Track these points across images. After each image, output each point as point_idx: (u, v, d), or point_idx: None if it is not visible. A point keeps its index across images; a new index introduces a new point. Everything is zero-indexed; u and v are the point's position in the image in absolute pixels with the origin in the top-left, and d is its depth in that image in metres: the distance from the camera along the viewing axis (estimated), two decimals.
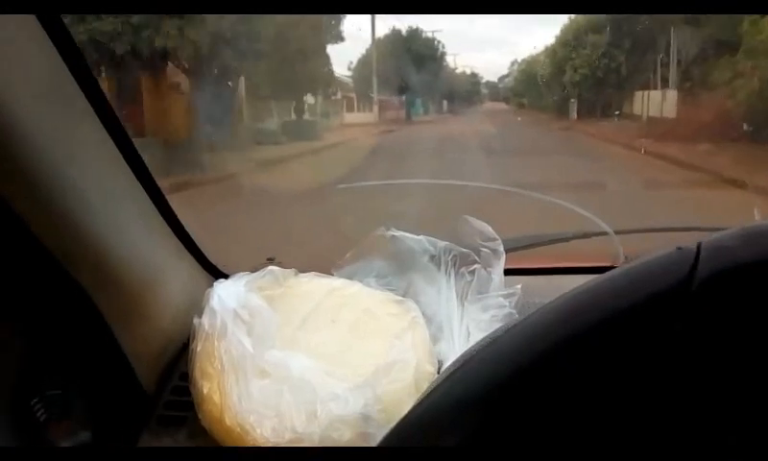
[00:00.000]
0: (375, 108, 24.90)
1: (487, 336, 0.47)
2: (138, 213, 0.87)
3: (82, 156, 0.75)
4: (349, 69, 24.93)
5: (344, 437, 0.75)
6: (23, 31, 0.66)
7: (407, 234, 1.02)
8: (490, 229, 1.00)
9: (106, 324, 0.81)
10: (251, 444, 0.77)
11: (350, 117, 23.16)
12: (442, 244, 1.01)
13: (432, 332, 0.95)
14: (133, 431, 0.89)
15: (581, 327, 0.41)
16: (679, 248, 0.41)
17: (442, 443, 0.43)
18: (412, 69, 24.18)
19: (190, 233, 0.99)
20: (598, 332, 0.41)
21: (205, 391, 0.82)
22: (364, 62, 25.09)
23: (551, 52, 21.58)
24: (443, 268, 1.00)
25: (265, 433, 0.76)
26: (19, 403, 0.79)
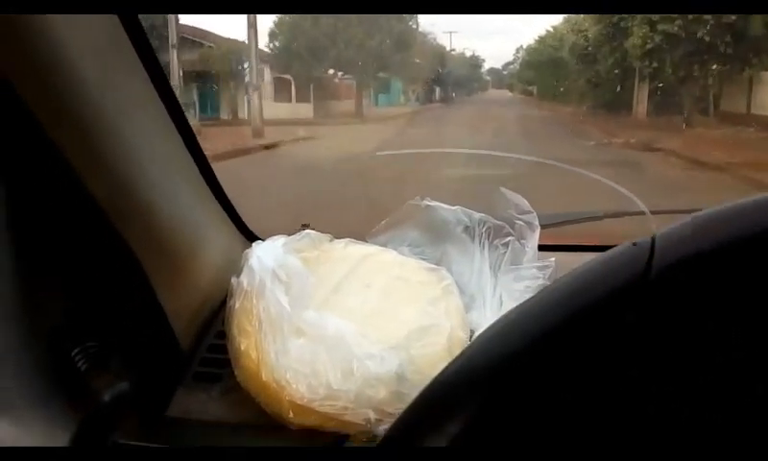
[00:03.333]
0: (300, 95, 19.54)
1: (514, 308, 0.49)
2: (184, 177, 0.89)
3: (137, 120, 0.77)
4: (270, 36, 19.12)
5: (378, 395, 0.76)
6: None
7: (442, 205, 1.02)
8: (525, 201, 1.00)
9: (148, 280, 0.83)
10: (286, 399, 0.78)
11: (272, 110, 16.56)
12: (476, 215, 1.01)
13: (465, 302, 0.95)
14: (169, 386, 0.91)
15: (546, 327, 0.43)
16: (634, 243, 0.43)
17: (474, 399, 0.44)
18: (368, 33, 18.75)
19: (230, 199, 1.01)
20: (560, 332, 0.43)
21: (243, 347, 0.83)
22: (289, 23, 18.80)
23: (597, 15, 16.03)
24: (476, 239, 1.00)
25: (301, 389, 0.77)
26: (61, 353, 0.81)
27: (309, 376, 0.78)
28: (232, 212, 1.03)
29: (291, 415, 0.79)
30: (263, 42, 18.65)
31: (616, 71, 16.85)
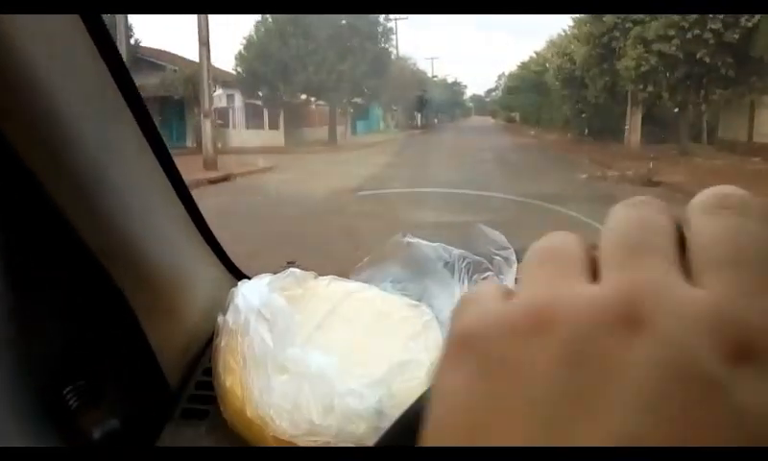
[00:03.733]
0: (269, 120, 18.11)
1: None
2: (170, 216, 0.92)
3: (122, 159, 0.80)
4: (237, 58, 18.06)
5: (359, 430, 0.78)
6: (68, 33, 0.71)
7: (423, 241, 1.06)
8: (503, 237, 1.04)
9: (135, 319, 0.85)
10: (270, 435, 0.81)
11: (243, 137, 15.85)
12: (456, 252, 1.05)
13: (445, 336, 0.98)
14: (158, 423, 0.93)
15: None
16: None
17: None
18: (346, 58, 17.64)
19: (216, 237, 1.04)
20: None
21: (228, 384, 0.86)
22: (257, 44, 17.61)
23: (585, 36, 15.11)
24: (456, 274, 1.03)
25: (284, 425, 0.80)
26: (53, 392, 0.84)
27: (292, 412, 0.81)
28: (219, 251, 1.06)
29: None
30: (231, 66, 18.07)
31: (606, 96, 15.71)
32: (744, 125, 14.12)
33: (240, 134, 16.66)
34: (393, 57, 22.73)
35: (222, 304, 0.95)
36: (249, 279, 1.02)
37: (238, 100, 17.85)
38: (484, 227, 1.05)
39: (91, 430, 0.84)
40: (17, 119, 0.66)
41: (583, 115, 17.40)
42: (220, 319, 0.91)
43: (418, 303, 1.01)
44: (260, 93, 17.99)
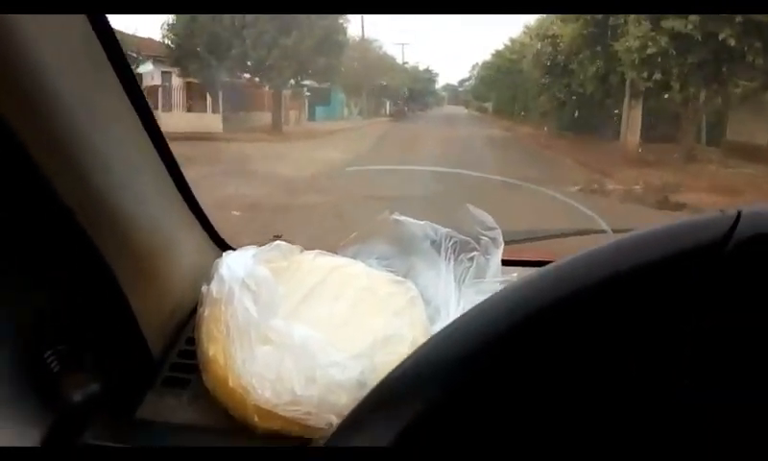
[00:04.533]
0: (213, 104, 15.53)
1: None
2: (155, 182, 0.91)
3: (107, 123, 0.79)
4: (165, 27, 14.61)
5: (340, 401, 0.79)
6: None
7: (410, 220, 1.06)
8: (490, 218, 1.04)
9: (118, 285, 0.85)
10: (251, 403, 0.81)
11: (180, 121, 13.13)
12: (443, 230, 1.05)
13: (429, 313, 0.99)
14: (139, 389, 0.93)
15: (598, 281, 0.46)
16: (721, 211, 0.45)
17: (423, 395, 0.47)
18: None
19: (201, 206, 1.04)
20: (623, 284, 0.46)
21: (211, 353, 0.86)
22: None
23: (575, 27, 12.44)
24: (443, 253, 1.04)
25: (266, 394, 0.80)
26: (34, 356, 0.83)
27: (274, 382, 0.81)
28: (204, 220, 1.06)
29: (256, 419, 0.82)
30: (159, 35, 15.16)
31: (596, 85, 13.14)
32: (759, 125, 11.77)
33: (178, 118, 14.21)
34: (357, 38, 20.71)
35: (206, 274, 0.95)
36: (233, 249, 1.02)
37: (176, 78, 15.54)
38: (471, 207, 1.05)
39: (72, 394, 0.84)
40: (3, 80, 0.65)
41: (565, 108, 15.53)
42: (204, 288, 0.91)
43: (403, 279, 1.01)
44: (193, 70, 15.27)
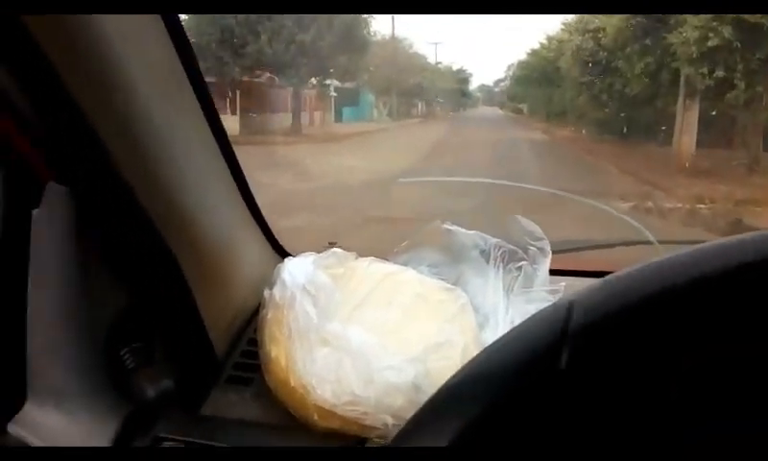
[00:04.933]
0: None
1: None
2: (223, 190, 0.97)
3: (185, 136, 0.85)
4: None
5: (396, 402, 0.83)
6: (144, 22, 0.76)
7: (460, 229, 1.10)
8: (539, 229, 1.08)
9: (188, 288, 0.91)
10: (311, 403, 0.86)
11: None
12: (492, 240, 1.08)
13: (479, 321, 1.02)
14: (205, 388, 0.99)
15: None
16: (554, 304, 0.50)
17: (480, 400, 0.51)
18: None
19: (264, 216, 1.10)
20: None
21: (273, 354, 0.91)
22: None
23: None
24: (491, 262, 1.07)
25: (325, 394, 0.85)
26: (112, 352, 0.90)
27: (334, 383, 0.86)
28: (265, 227, 1.12)
29: (316, 418, 0.87)
30: None
31: (646, 83, 11.62)
32: None
33: None
34: (386, 37, 19.61)
35: (266, 279, 1.00)
36: (291, 256, 1.08)
37: None
38: (520, 217, 1.08)
39: (145, 389, 0.90)
40: (88, 93, 0.71)
41: (606, 109, 14.09)
42: (266, 292, 0.97)
43: (454, 287, 1.05)
44: (206, 68, 13.20)
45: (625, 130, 13.40)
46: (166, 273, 0.88)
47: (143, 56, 0.77)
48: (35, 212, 0.81)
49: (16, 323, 0.86)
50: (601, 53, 13.15)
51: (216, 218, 0.95)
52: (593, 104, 14.73)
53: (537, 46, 21.42)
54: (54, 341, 0.86)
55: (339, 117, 20.09)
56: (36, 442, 0.86)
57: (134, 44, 0.74)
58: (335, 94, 18.84)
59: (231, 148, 0.99)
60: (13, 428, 0.87)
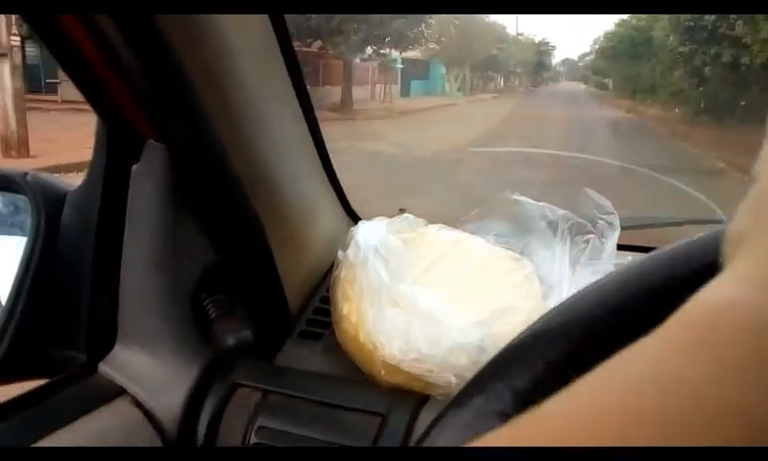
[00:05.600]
0: None
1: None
2: (307, 158, 1.03)
3: (275, 104, 0.91)
4: None
5: (460, 362, 0.87)
6: None
7: (529, 200, 1.12)
8: (609, 203, 1.08)
9: (269, 246, 0.97)
10: (379, 358, 0.91)
11: None
12: (560, 212, 1.10)
13: (543, 291, 1.04)
14: (279, 340, 1.06)
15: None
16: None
17: (540, 359, 0.53)
18: None
19: (339, 180, 1.15)
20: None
21: (344, 311, 0.96)
22: None
23: None
24: (559, 234, 1.09)
25: (393, 351, 0.90)
26: (196, 302, 0.97)
27: (401, 341, 0.90)
28: (340, 192, 1.17)
29: (383, 373, 0.92)
30: None
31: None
32: None
33: None
34: None
35: (339, 242, 1.05)
36: (364, 220, 1.12)
37: None
38: (590, 191, 1.09)
39: (226, 337, 0.97)
40: (198, 66, 0.77)
41: (707, 85, 12.15)
42: (340, 253, 1.02)
43: (520, 256, 1.07)
44: None
45: (727, 111, 11.20)
46: (250, 232, 0.94)
47: (244, 28, 0.82)
48: (134, 167, 0.88)
49: (111, 270, 0.93)
50: (707, 16, 10.95)
51: (299, 184, 1.00)
52: (691, 78, 12.78)
53: (626, 16, 19.64)
54: (145, 289, 0.93)
55: (406, 91, 19.01)
56: (123, 381, 0.94)
57: (236, 17, 0.79)
58: (402, 66, 17.63)
59: (315, 115, 1.04)
60: (103, 368, 0.95)
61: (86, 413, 0.85)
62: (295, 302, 1.06)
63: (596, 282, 0.55)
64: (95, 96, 0.82)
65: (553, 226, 1.10)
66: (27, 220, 0.91)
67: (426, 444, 0.54)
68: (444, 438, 0.55)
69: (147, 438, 0.88)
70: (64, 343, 0.95)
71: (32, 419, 0.82)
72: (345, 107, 14.11)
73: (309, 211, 1.05)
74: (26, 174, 0.90)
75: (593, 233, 1.08)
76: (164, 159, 0.85)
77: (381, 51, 15.40)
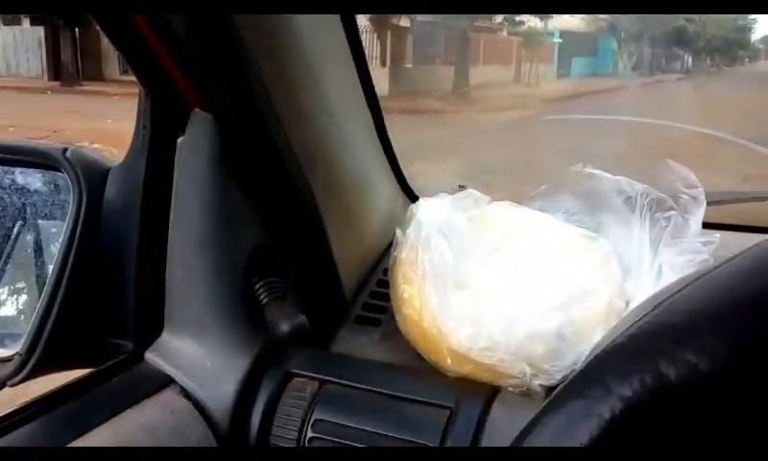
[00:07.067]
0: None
1: (681, 279, 0.48)
2: (365, 133, 0.96)
3: (333, 74, 0.85)
4: None
5: (537, 351, 0.79)
6: None
7: (604, 174, 1.02)
8: (692, 175, 0.98)
9: (323, 227, 0.90)
10: (445, 346, 0.83)
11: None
12: (639, 187, 1.00)
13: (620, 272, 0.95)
14: (334, 327, 0.99)
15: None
16: None
17: (649, 368, 0.44)
18: None
19: (397, 157, 1.07)
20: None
21: (406, 295, 0.89)
22: None
23: None
24: (637, 211, 0.99)
25: (460, 338, 0.82)
26: (247, 285, 0.90)
27: (469, 327, 0.82)
28: (398, 170, 1.10)
29: (449, 362, 0.84)
30: None
31: None
32: None
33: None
34: None
35: (396, 221, 0.98)
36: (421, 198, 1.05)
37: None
38: (671, 162, 0.99)
39: (279, 323, 0.91)
40: (269, 54, 0.72)
41: None
42: (399, 233, 0.94)
43: (596, 235, 0.98)
44: None
45: None
46: (304, 210, 0.87)
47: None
48: (179, 140, 0.81)
49: (157, 251, 0.87)
50: None
51: (355, 159, 0.94)
52: None
53: None
54: (192, 271, 0.87)
55: (566, 70, 16.01)
56: (171, 370, 0.88)
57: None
58: (560, 40, 14.89)
59: (374, 88, 0.97)
60: (150, 356, 0.90)
61: (133, 405, 0.80)
62: (350, 285, 1.00)
63: (710, 272, 0.46)
64: (139, 62, 0.76)
65: (630, 202, 1.00)
66: (68, 199, 0.85)
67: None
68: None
69: (198, 432, 0.82)
70: (109, 330, 0.89)
71: (77, 411, 0.77)
72: (457, 92, 11.68)
73: (365, 187, 0.97)
74: (66, 149, 0.84)
75: (675, 210, 0.98)
76: (212, 130, 0.78)
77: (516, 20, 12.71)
